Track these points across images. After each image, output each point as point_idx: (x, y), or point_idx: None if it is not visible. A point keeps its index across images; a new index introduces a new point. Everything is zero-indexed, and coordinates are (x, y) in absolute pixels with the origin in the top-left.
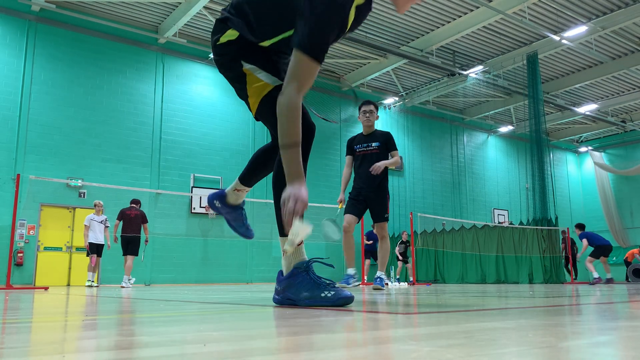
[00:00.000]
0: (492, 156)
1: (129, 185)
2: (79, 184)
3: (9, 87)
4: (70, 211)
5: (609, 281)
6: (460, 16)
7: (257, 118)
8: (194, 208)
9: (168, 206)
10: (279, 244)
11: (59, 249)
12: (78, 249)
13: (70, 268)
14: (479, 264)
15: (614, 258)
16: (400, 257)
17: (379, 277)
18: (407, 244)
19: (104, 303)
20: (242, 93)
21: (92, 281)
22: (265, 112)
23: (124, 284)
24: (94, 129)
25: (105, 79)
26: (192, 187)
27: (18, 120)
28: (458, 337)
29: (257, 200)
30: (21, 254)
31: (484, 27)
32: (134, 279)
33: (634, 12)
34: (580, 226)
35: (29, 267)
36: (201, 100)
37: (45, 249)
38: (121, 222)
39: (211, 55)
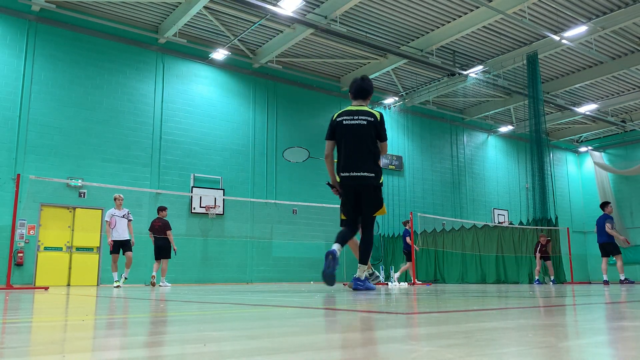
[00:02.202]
0: (492, 156)
1: (129, 185)
2: (79, 184)
3: (9, 87)
4: (70, 211)
5: (622, 282)
6: (460, 16)
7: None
8: (194, 208)
9: (168, 206)
10: (278, 243)
11: (59, 249)
12: (78, 249)
13: (70, 268)
14: (479, 264)
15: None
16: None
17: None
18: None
19: (105, 303)
20: (378, 202)
21: (125, 278)
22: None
23: (162, 284)
24: (94, 129)
25: (105, 79)
26: (192, 187)
27: (18, 120)
28: (458, 337)
29: (257, 200)
30: (21, 254)
31: (484, 27)
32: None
33: (634, 12)
34: (605, 205)
35: (29, 267)
36: (201, 100)
37: (46, 249)
38: (152, 232)
39: (211, 55)
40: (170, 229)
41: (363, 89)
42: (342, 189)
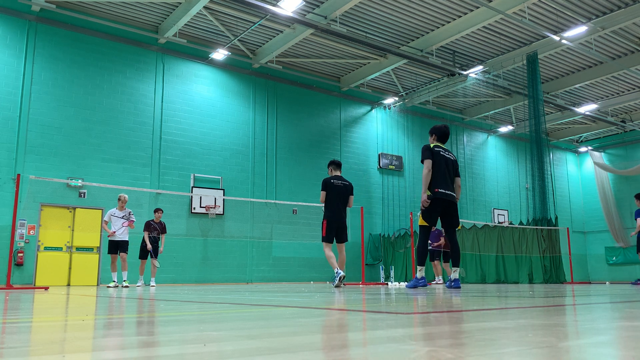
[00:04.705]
0: (492, 156)
1: (129, 185)
2: (79, 184)
3: (9, 87)
4: (70, 211)
5: None
6: (460, 16)
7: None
8: (194, 208)
9: (168, 206)
10: (278, 244)
11: (59, 249)
12: (78, 249)
13: (70, 268)
14: (479, 264)
15: (614, 258)
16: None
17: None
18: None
19: (104, 303)
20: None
21: (125, 280)
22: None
23: (144, 284)
24: (94, 129)
25: (105, 79)
26: (192, 187)
27: (18, 120)
28: (458, 337)
29: (257, 200)
30: (21, 254)
31: (484, 27)
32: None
33: (634, 12)
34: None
35: (29, 267)
36: (201, 100)
37: (46, 249)
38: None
39: (211, 55)
40: (165, 232)
41: (446, 134)
42: (435, 201)
